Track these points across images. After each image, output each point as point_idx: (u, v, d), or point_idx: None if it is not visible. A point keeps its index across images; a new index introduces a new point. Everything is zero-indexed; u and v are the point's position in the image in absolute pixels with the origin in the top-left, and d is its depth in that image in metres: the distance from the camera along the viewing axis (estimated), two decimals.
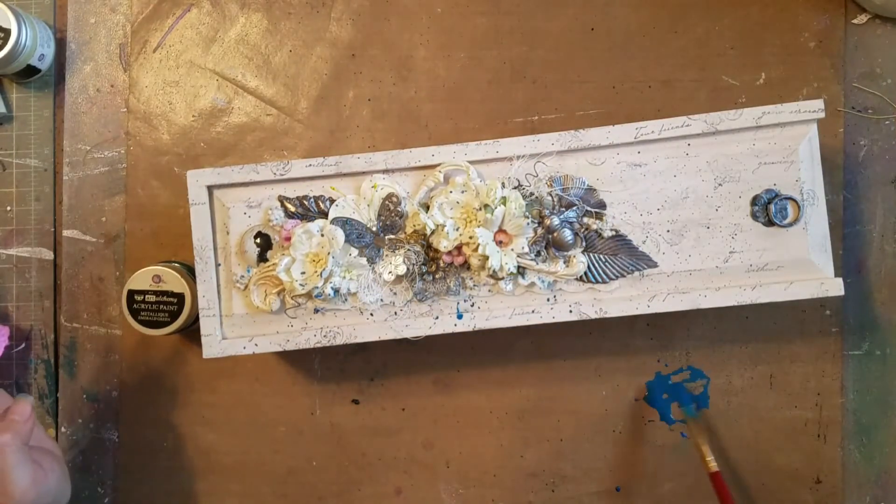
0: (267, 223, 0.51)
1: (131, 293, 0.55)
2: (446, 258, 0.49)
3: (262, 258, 0.51)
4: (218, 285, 0.51)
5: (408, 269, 0.50)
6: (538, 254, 0.50)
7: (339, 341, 0.50)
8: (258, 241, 0.51)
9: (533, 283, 0.50)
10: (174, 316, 0.55)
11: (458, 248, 0.49)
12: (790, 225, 0.49)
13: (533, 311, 0.50)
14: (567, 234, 0.49)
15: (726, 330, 0.58)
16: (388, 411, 0.60)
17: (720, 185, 0.50)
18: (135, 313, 0.55)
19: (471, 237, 0.48)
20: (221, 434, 0.60)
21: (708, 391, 0.58)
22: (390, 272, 0.50)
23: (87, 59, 0.61)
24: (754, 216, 0.50)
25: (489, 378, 0.59)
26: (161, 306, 0.55)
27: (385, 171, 0.50)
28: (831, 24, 0.58)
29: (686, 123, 0.49)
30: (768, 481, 0.58)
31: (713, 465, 0.52)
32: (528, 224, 0.49)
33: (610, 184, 0.50)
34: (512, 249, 0.49)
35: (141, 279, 0.55)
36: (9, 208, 0.61)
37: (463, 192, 0.49)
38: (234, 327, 0.51)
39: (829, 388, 0.58)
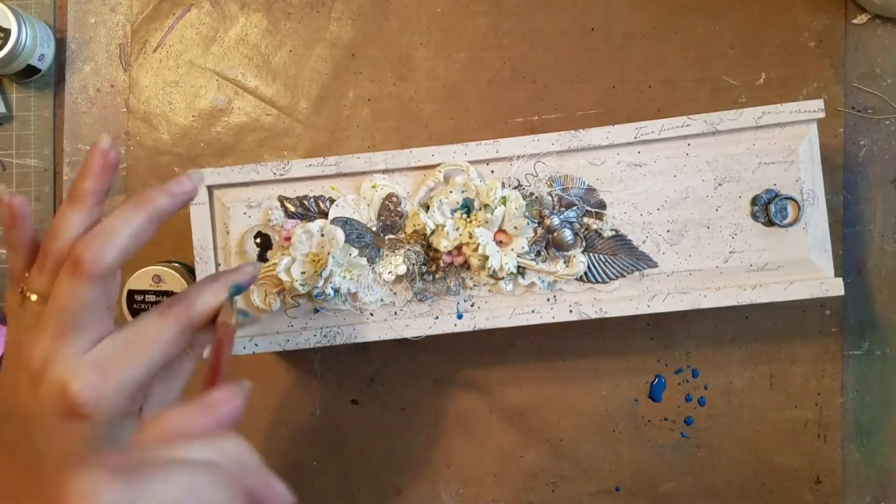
0: (267, 223, 0.51)
1: (131, 293, 0.55)
2: (446, 258, 0.49)
3: (262, 258, 0.51)
4: None
5: (408, 269, 0.50)
6: (538, 254, 0.50)
7: (339, 341, 0.50)
8: (258, 241, 0.51)
9: (533, 283, 0.50)
10: None
11: (458, 248, 0.49)
12: (790, 225, 0.49)
13: (533, 311, 0.50)
14: (567, 234, 0.49)
15: (726, 330, 0.58)
16: (388, 411, 0.60)
17: (720, 185, 0.50)
18: (135, 313, 0.55)
19: (471, 237, 0.48)
20: None
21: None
22: (390, 272, 0.50)
23: (87, 59, 0.61)
24: (754, 216, 0.50)
25: (489, 378, 0.59)
26: None
27: (385, 171, 0.50)
28: (831, 24, 0.58)
29: (686, 123, 0.49)
30: (768, 481, 0.58)
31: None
32: (528, 224, 0.49)
33: (610, 184, 0.50)
34: (512, 249, 0.49)
35: (141, 279, 0.55)
36: None
37: (463, 191, 0.49)
38: None
39: (829, 388, 0.58)
